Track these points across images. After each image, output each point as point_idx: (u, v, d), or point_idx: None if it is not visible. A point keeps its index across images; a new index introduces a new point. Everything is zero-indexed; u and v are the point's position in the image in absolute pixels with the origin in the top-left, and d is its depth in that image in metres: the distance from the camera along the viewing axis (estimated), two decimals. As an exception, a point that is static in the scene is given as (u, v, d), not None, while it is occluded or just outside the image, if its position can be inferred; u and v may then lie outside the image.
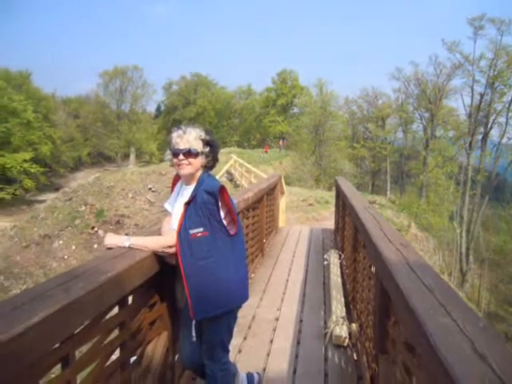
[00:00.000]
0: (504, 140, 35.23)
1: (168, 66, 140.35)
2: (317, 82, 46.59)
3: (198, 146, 2.35)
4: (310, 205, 18.11)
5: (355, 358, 3.81)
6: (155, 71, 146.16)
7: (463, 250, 31.51)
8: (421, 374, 1.74)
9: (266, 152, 42.92)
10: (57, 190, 42.05)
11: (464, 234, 31.94)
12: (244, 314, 4.53)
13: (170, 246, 2.32)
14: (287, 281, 6.19)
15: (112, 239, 2.34)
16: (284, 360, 3.68)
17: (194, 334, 2.46)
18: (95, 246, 21.98)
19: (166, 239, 2.36)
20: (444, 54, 55.18)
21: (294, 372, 3.50)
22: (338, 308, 4.64)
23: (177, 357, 2.95)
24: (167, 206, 2.61)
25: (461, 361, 1.18)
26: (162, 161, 42.60)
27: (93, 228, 23.21)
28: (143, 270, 2.23)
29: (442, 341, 1.30)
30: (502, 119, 35.53)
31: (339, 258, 6.65)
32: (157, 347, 2.62)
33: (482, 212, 34.50)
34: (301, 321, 4.67)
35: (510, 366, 1.16)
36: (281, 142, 45.82)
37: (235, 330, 2.65)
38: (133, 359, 2.34)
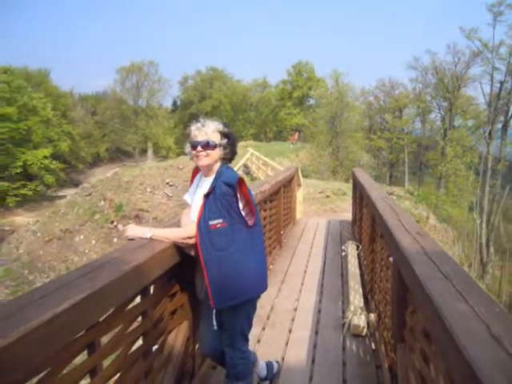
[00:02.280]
0: (524, 128, 34.64)
1: (184, 61, 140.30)
2: (332, 73, 46.10)
3: (216, 138, 2.39)
4: (327, 197, 18.07)
5: (373, 347, 3.83)
6: (171, 66, 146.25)
7: (483, 241, 31.07)
8: (438, 361, 1.76)
9: (293, 142, 42.79)
10: (76, 185, 42.52)
11: (484, 224, 31.49)
12: (263, 304, 4.58)
13: (190, 237, 2.37)
14: (305, 272, 6.22)
15: (134, 230, 2.40)
16: (302, 349, 3.72)
17: (214, 322, 2.51)
18: (115, 240, 22.26)
19: (186, 230, 2.41)
20: (462, 41, 54.14)
21: (313, 361, 3.54)
22: (356, 298, 4.66)
23: (197, 346, 3.01)
24: (186, 197, 2.66)
25: (476, 344, 1.21)
26: (179, 155, 42.86)
27: (112, 222, 23.47)
28: (164, 260, 2.29)
29: (457, 325, 1.32)
30: (524, 108, 34.90)
31: (357, 249, 6.65)
32: (178, 336, 2.68)
33: (503, 202, 33.96)
34: (319, 311, 4.70)
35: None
36: (296, 136, 45.54)
37: (254, 320, 2.69)
38: (155, 348, 2.40)
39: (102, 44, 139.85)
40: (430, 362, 1.97)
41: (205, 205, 2.33)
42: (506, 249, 32.13)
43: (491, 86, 35.89)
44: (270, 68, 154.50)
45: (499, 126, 35.45)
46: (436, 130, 46.70)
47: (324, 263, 6.72)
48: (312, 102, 60.59)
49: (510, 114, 34.91)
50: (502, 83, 34.87)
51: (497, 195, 33.37)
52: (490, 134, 34.43)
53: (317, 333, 4.12)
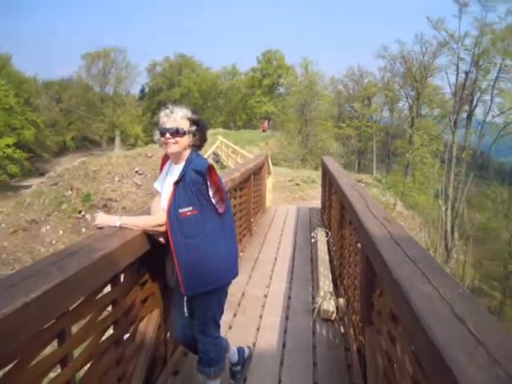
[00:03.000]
0: (488, 118, 35.57)
1: (151, 47, 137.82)
2: (302, 62, 46.26)
3: (185, 125, 2.38)
4: (297, 184, 18.20)
5: (342, 331, 3.91)
6: (139, 53, 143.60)
7: (448, 228, 31.94)
8: (404, 342, 1.82)
9: (264, 130, 42.82)
10: (42, 175, 41.46)
11: (449, 211, 32.35)
12: (234, 291, 4.61)
13: (160, 225, 2.36)
14: (275, 259, 6.28)
15: (103, 219, 2.38)
16: (273, 335, 3.77)
17: (185, 309, 2.51)
18: (83, 230, 21.91)
19: (156, 218, 2.40)
20: (430, 32, 55.07)
21: (284, 346, 3.60)
22: (326, 284, 4.74)
23: (169, 333, 3.01)
24: (156, 185, 2.64)
25: (440, 323, 1.25)
26: (147, 143, 42.30)
27: (80, 212, 23.08)
28: (134, 248, 2.27)
29: (423, 307, 1.37)
30: (487, 97, 35.82)
31: (326, 236, 6.74)
32: (149, 324, 2.68)
33: (467, 190, 34.91)
34: (289, 297, 4.76)
35: (485, 325, 1.24)
36: (265, 124, 45.55)
37: (225, 306, 2.71)
38: (126, 336, 2.39)
39: (67, 29, 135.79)
40: (396, 343, 2.03)
41: (175, 192, 2.32)
42: (469, 235, 33.19)
43: (457, 76, 36.70)
44: (239, 55, 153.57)
45: (464, 115, 36.31)
46: (404, 119, 47.49)
47: (294, 250, 6.80)
48: (282, 90, 60.64)
49: (474, 103, 35.80)
50: (466, 73, 35.65)
51: (461, 183, 34.28)
52: (455, 123, 35.24)
53: (287, 318, 4.18)
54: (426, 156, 33.44)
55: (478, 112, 36.19)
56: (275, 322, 4.05)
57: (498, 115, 35.40)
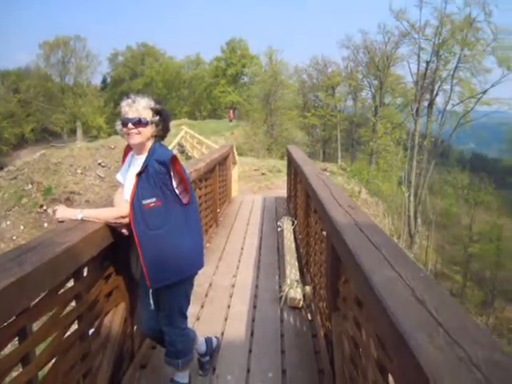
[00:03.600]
0: (449, 107, 36.29)
1: (113, 37, 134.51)
2: (266, 51, 46.13)
3: (148, 115, 2.34)
4: (263, 174, 18.24)
5: (310, 318, 3.97)
6: (99, 42, 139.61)
7: (411, 214, 32.72)
8: (369, 326, 1.85)
9: (231, 120, 42.64)
10: (0, 169, 40.19)
11: (412, 198, 33.10)
12: (201, 282, 4.60)
13: (123, 217, 2.32)
14: (242, 248, 6.29)
15: (64, 212, 2.31)
16: (241, 324, 3.79)
17: (151, 302, 2.49)
18: (45, 225, 21.32)
19: (119, 210, 2.36)
20: (392, 22, 55.90)
21: (252, 334, 3.62)
22: (292, 272, 4.78)
23: (135, 327, 2.98)
24: (119, 176, 2.59)
25: (402, 306, 1.28)
26: (110, 135, 41.38)
27: (41, 206, 22.41)
28: (97, 241, 2.23)
29: (385, 291, 1.40)
30: (447, 86, 36.51)
31: (292, 225, 6.79)
32: (115, 318, 2.64)
33: (429, 177, 35.76)
34: (256, 286, 4.79)
35: (445, 307, 1.27)
36: (231, 113, 45.38)
37: (192, 298, 2.70)
38: (91, 331, 2.35)
39: (23, 16, 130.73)
40: (361, 328, 2.06)
41: (137, 184, 2.28)
42: (431, 220, 34.18)
43: (418, 65, 37.32)
44: (203, 45, 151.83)
45: (425, 104, 37.06)
46: (367, 108, 48.03)
47: (260, 239, 6.83)
48: (246, 79, 60.38)
49: (435, 92, 36.54)
50: (427, 63, 36.33)
51: (423, 170, 35.07)
52: (417, 111, 35.93)
53: (255, 307, 4.20)
54: (389, 144, 34.03)
55: (439, 101, 37.00)
56: (243, 312, 4.06)
57: (458, 104, 36.29)
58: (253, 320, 3.91)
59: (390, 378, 1.59)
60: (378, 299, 1.38)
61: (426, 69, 36.31)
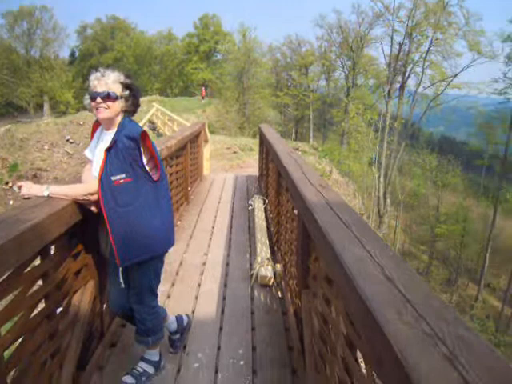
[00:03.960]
0: (420, 89, 36.75)
1: (81, 8, 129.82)
2: (240, 28, 45.55)
3: (117, 90, 2.27)
4: (235, 152, 18.17)
5: (280, 295, 4.01)
6: (67, 13, 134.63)
7: (381, 194, 33.31)
8: (338, 303, 1.88)
9: (203, 98, 42.09)
10: (-38, 143, 38.73)
11: (382, 178, 33.66)
12: (171, 260, 4.58)
13: (92, 194, 2.27)
14: (213, 227, 6.28)
15: (30, 189, 2.24)
16: (212, 302, 3.81)
17: (121, 280, 2.46)
18: (11, 202, 20.79)
19: (87, 186, 2.30)
20: (366, 2, 55.87)
21: (222, 312, 3.64)
22: (263, 250, 4.81)
23: (105, 305, 2.95)
24: (87, 152, 2.52)
25: (371, 284, 1.30)
26: (78, 110, 40.36)
27: (7, 183, 21.82)
28: (64, 218, 2.17)
29: (355, 269, 1.41)
30: (419, 69, 36.91)
31: (263, 203, 6.81)
32: (83, 296, 2.61)
33: (399, 158, 36.40)
34: (227, 264, 4.80)
35: (412, 284, 1.29)
36: (203, 90, 44.81)
37: (163, 276, 2.69)
38: (59, 310, 2.32)
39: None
40: (331, 305, 2.09)
41: (106, 159, 2.23)
42: (400, 201, 34.94)
43: (391, 47, 37.56)
44: (175, 20, 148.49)
45: (397, 85, 37.44)
46: (340, 88, 48.15)
47: (232, 218, 6.83)
48: (219, 57, 59.56)
49: (406, 74, 36.92)
50: (400, 45, 36.59)
51: (393, 151, 35.63)
52: (388, 93, 36.31)
53: (225, 285, 4.22)
54: (360, 125, 34.35)
55: (411, 83, 37.44)
56: (214, 290, 4.08)
57: (429, 87, 36.81)
58: (223, 298, 3.92)
59: (359, 354, 1.63)
60: (348, 277, 1.40)
61: (399, 51, 36.59)
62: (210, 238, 5.72)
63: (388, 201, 33.82)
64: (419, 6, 34.84)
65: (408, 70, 36.91)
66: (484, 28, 34.06)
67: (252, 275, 4.34)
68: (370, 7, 39.80)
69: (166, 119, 21.62)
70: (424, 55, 36.01)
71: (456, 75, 34.64)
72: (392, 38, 37.12)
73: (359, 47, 42.18)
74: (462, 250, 32.70)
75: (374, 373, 1.38)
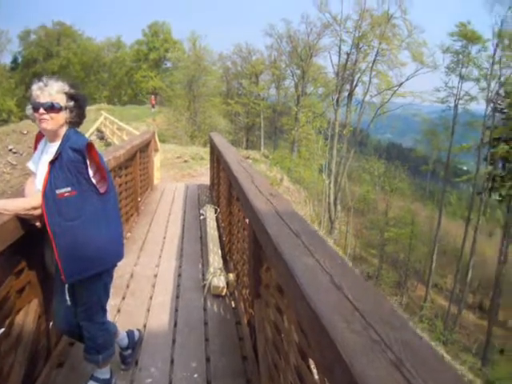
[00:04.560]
0: (367, 98, 37.86)
1: (24, 13, 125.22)
2: (190, 36, 45.46)
3: (61, 100, 2.20)
4: (186, 161, 18.01)
5: (233, 305, 4.00)
6: (9, 18, 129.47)
7: (331, 200, 33.95)
8: (290, 312, 1.89)
9: (153, 106, 41.53)
10: None
11: (332, 185, 34.33)
12: (121, 273, 4.47)
13: (35, 208, 2.18)
14: (164, 238, 6.19)
15: None
16: (164, 314, 3.74)
17: (67, 297, 2.38)
18: None
19: (30, 201, 2.21)
20: (315, 13, 57.07)
21: (175, 325, 3.59)
22: (216, 260, 4.79)
23: (51, 324, 2.84)
24: (30, 165, 2.42)
25: (320, 292, 1.32)
26: (22, 119, 38.82)
27: None
28: (5, 235, 2.08)
29: (305, 277, 1.43)
30: (366, 78, 38.01)
31: (215, 213, 6.78)
32: (27, 316, 2.50)
33: (348, 165, 37.27)
34: (179, 275, 4.74)
35: (361, 292, 1.32)
36: (152, 99, 44.27)
37: (112, 290, 2.62)
38: (1, 330, 2.20)
39: None
40: (283, 314, 2.10)
41: (50, 172, 2.15)
42: (350, 206, 35.80)
43: (339, 56, 38.46)
44: (124, 27, 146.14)
45: (345, 94, 38.41)
46: (290, 97, 48.83)
47: (183, 228, 6.76)
48: (169, 65, 59.07)
49: (354, 83, 37.97)
50: (348, 54, 37.59)
51: (343, 158, 36.46)
52: (337, 101, 37.19)
53: (178, 297, 4.16)
54: (310, 133, 34.97)
55: (358, 92, 38.49)
56: (166, 302, 4.01)
57: (376, 95, 38.02)
58: (176, 310, 3.87)
59: (311, 361, 1.64)
60: (298, 286, 1.41)
61: (347, 60, 37.57)
62: (162, 250, 5.63)
63: (339, 207, 34.53)
64: (365, 18, 36.02)
65: (355, 78, 37.98)
66: (426, 40, 35.63)
67: (205, 285, 4.31)
68: (318, 18, 40.63)
69: (114, 128, 21.17)
70: (371, 65, 37.19)
71: (401, 84, 36.01)
72: (340, 48, 38.10)
73: (308, 56, 42.97)
74: (410, 253, 33.90)
75: (325, 380, 1.40)
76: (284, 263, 1.63)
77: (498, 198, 39.11)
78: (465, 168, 40.35)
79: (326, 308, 1.22)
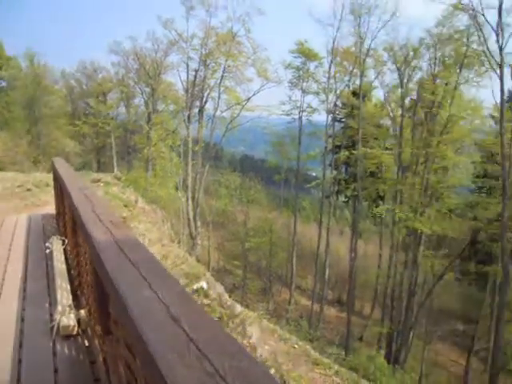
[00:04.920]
0: (217, 113, 38.58)
1: None
2: (26, 53, 42.18)
3: None
4: (28, 190, 16.48)
5: (87, 343, 3.71)
6: None
7: (191, 217, 33.94)
8: (135, 348, 1.78)
9: None
10: None
11: (190, 201, 34.39)
12: None
13: None
14: (3, 279, 5.53)
15: None
16: (4, 371, 3.28)
17: None
18: None
19: None
20: (161, 30, 56.93)
21: (18, 380, 3.16)
22: (64, 296, 4.40)
23: None
24: None
25: (155, 326, 1.25)
26: None
27: None
28: None
29: (139, 311, 1.35)
30: (215, 94, 38.71)
31: (63, 244, 6.28)
32: None
33: (204, 179, 37.73)
34: (22, 320, 4.25)
35: (198, 322, 1.28)
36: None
37: None
38: None
39: None
40: (132, 349, 1.98)
41: None
42: (209, 221, 36.26)
43: (187, 73, 38.73)
44: None
45: (196, 110, 38.92)
46: (140, 115, 48.04)
47: (26, 264, 6.11)
48: (3, 83, 54.07)
49: (204, 99, 38.59)
50: (196, 71, 38.09)
51: (198, 174, 36.81)
52: (188, 118, 37.46)
53: (21, 346, 3.71)
54: (163, 150, 34.69)
55: (209, 107, 39.20)
56: (6, 355, 3.53)
57: (226, 110, 39.00)
58: (19, 361, 3.42)
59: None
60: (131, 319, 1.33)
61: (195, 77, 38.09)
62: (0, 293, 5.02)
63: (198, 222, 34.69)
64: (211, 36, 36.93)
65: (205, 95, 38.63)
66: (270, 57, 37.91)
67: (53, 327, 3.92)
68: (164, 35, 40.58)
69: None
70: (219, 81, 38.13)
71: (249, 99, 37.53)
72: (188, 65, 38.43)
73: (156, 74, 42.74)
74: (271, 260, 35.44)
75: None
76: (120, 297, 1.53)
77: (344, 199, 43.30)
78: (314, 174, 43.78)
79: (161, 343, 1.17)
